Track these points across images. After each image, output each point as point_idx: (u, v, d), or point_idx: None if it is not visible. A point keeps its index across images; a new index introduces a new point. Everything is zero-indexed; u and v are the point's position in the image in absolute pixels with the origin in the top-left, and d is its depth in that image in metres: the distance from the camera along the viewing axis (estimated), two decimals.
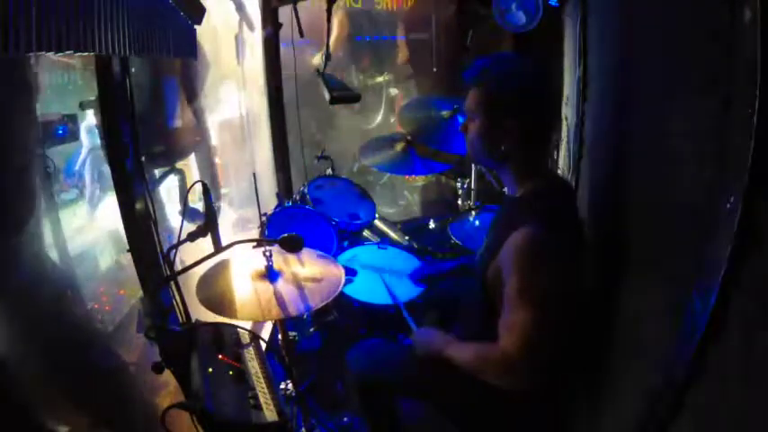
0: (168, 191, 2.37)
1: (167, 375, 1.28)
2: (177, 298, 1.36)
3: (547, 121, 1.26)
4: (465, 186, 2.45)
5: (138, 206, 1.38)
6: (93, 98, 1.48)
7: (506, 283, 1.13)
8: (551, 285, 1.10)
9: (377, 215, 2.42)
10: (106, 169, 1.51)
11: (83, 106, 1.77)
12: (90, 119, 1.70)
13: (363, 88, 3.51)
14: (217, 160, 2.93)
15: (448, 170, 2.51)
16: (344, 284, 1.79)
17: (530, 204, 1.22)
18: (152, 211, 1.41)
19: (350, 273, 1.86)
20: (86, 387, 1.79)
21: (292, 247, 1.29)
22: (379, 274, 1.86)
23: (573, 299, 1.17)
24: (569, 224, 1.20)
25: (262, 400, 1.13)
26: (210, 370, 1.20)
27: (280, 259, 1.44)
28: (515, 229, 1.14)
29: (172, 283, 1.33)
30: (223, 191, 2.99)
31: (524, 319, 1.08)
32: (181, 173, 2.53)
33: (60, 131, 1.84)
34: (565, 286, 1.13)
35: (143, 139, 1.46)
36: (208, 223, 1.31)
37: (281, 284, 1.36)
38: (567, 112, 2.03)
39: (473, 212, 2.31)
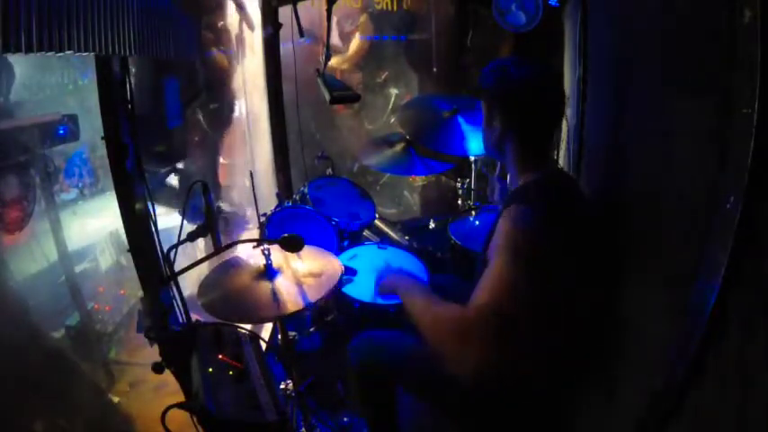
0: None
1: (167, 375, 1.28)
2: (177, 298, 1.36)
3: (535, 118, 1.26)
4: (465, 186, 2.45)
5: (138, 206, 1.38)
6: None
7: (490, 259, 1.11)
8: (535, 261, 1.07)
9: (377, 215, 2.42)
10: (106, 169, 1.51)
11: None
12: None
13: (364, 88, 3.51)
14: (219, 160, 2.94)
15: (448, 170, 2.51)
16: (344, 284, 1.80)
17: (523, 192, 1.25)
18: (152, 211, 1.41)
19: (350, 272, 1.86)
20: (84, 387, 1.79)
21: (292, 247, 1.29)
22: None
23: (560, 282, 1.14)
24: (564, 214, 1.19)
25: (262, 400, 1.13)
26: (210, 370, 1.20)
27: (279, 257, 1.44)
28: (505, 213, 1.16)
29: (172, 283, 1.33)
30: (223, 191, 3.00)
31: (499, 279, 1.04)
32: (181, 173, 2.53)
33: (60, 131, 1.84)
34: (552, 268, 1.09)
35: (143, 139, 1.46)
36: (208, 223, 1.31)
37: (280, 282, 1.36)
38: (567, 112, 2.03)
39: (473, 212, 2.31)
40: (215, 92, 2.80)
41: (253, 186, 2.15)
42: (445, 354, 1.06)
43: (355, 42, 3.44)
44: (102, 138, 1.34)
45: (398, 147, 2.39)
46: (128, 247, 1.42)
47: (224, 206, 2.85)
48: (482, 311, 1.01)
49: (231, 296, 1.33)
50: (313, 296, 1.31)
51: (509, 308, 1.01)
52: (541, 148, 1.31)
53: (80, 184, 2.05)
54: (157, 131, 2.34)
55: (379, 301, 1.74)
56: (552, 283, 1.11)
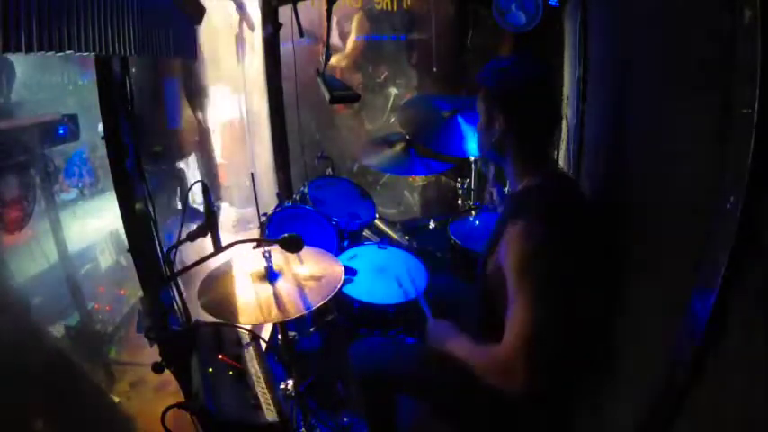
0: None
1: (167, 375, 1.28)
2: (177, 298, 1.36)
3: (536, 119, 1.25)
4: (465, 186, 2.45)
5: (138, 206, 1.38)
6: None
7: (508, 279, 1.13)
8: (550, 281, 1.09)
9: (377, 215, 2.42)
10: (106, 169, 1.50)
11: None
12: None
13: (364, 88, 3.51)
14: (217, 160, 2.94)
15: (448, 170, 2.51)
16: (344, 284, 1.80)
17: (528, 199, 1.23)
18: (152, 211, 1.41)
19: (350, 272, 1.86)
20: (84, 387, 1.79)
21: (292, 247, 1.29)
22: (393, 275, 1.86)
23: (574, 296, 1.16)
24: (570, 219, 1.19)
25: (262, 400, 1.13)
26: (210, 370, 1.20)
27: (279, 259, 1.44)
28: (513, 223, 1.15)
29: (172, 283, 1.33)
30: (223, 191, 2.99)
31: (524, 316, 1.07)
32: (181, 173, 2.53)
33: (60, 131, 1.84)
34: (564, 283, 1.11)
35: (143, 139, 1.46)
36: (208, 223, 1.31)
37: (281, 285, 1.36)
38: (567, 112, 2.03)
39: (473, 212, 2.31)
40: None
41: (253, 186, 2.15)
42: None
43: (351, 40, 3.44)
44: (102, 138, 1.33)
45: (398, 147, 2.39)
46: (128, 247, 1.42)
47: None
48: (515, 350, 1.06)
49: (231, 298, 1.33)
50: (314, 300, 1.30)
51: (538, 339, 1.05)
52: (542, 149, 1.29)
53: (80, 184, 2.05)
54: (157, 131, 2.34)
55: (378, 301, 1.74)
56: (565, 294, 1.12)
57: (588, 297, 1.22)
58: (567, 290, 1.12)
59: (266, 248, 1.39)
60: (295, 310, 1.27)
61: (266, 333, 2.13)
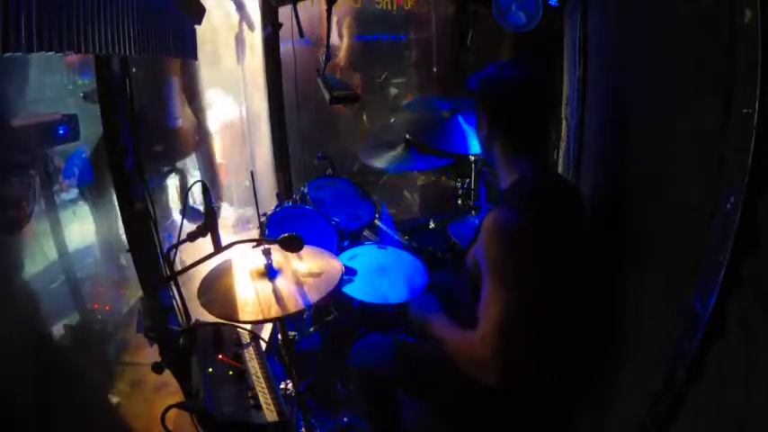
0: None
1: (167, 375, 1.28)
2: (177, 298, 1.36)
3: (518, 118, 1.28)
4: (465, 186, 2.44)
5: (138, 206, 1.38)
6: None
7: (482, 268, 1.16)
8: (523, 267, 1.11)
9: (377, 215, 2.42)
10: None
11: (86, 97, 1.77)
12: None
13: (364, 88, 3.51)
14: (218, 160, 2.93)
15: (448, 167, 2.51)
16: (344, 284, 1.80)
17: (508, 193, 1.28)
18: (152, 211, 1.41)
19: (350, 272, 1.86)
20: (84, 387, 1.79)
21: (292, 246, 1.29)
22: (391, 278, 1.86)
23: (553, 285, 1.17)
24: (545, 209, 1.20)
25: (262, 400, 1.13)
26: (210, 370, 1.20)
27: (279, 257, 1.44)
28: (489, 214, 1.20)
29: (172, 283, 1.33)
30: (223, 191, 2.99)
31: (495, 306, 1.09)
32: (181, 173, 2.53)
33: (60, 131, 1.84)
34: (541, 269, 1.13)
35: (143, 139, 1.46)
36: (208, 223, 1.31)
37: (280, 282, 1.36)
38: (567, 111, 2.03)
39: (473, 212, 2.31)
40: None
41: (253, 186, 2.15)
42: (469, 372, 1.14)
43: (352, 40, 3.43)
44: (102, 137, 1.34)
45: (399, 147, 2.39)
46: (128, 247, 1.42)
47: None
48: (487, 340, 1.09)
49: (231, 296, 1.33)
50: (313, 296, 1.31)
51: (509, 329, 1.07)
52: (526, 149, 1.31)
53: (80, 184, 2.05)
54: (157, 131, 2.34)
55: (378, 300, 1.75)
56: (547, 280, 1.13)
57: (569, 290, 1.23)
58: (545, 278, 1.14)
59: (266, 247, 1.39)
60: (294, 305, 1.27)
61: (266, 333, 2.13)
